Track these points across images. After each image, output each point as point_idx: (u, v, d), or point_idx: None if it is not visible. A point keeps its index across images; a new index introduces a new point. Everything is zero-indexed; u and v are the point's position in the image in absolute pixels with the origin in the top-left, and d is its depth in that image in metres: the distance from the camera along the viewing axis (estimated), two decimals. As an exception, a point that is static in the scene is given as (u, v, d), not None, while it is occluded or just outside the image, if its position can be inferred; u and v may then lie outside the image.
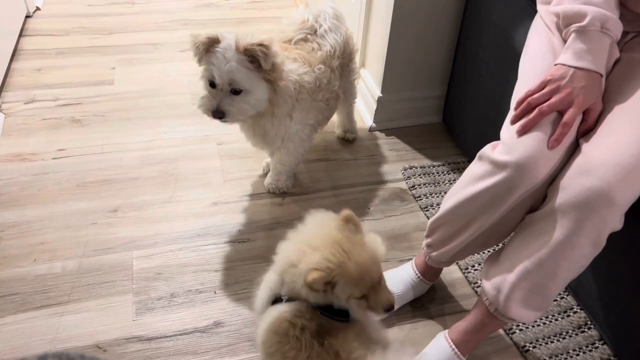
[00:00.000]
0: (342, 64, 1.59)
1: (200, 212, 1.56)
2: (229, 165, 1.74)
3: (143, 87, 2.09)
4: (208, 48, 1.26)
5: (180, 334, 1.25)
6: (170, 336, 1.25)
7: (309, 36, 1.50)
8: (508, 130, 1.01)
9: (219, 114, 1.30)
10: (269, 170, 1.66)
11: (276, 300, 0.99)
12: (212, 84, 1.30)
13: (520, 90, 1.03)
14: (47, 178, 1.64)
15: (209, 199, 1.61)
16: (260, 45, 1.24)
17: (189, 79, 2.14)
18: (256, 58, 1.25)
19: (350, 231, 0.90)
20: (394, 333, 1.28)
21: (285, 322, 0.92)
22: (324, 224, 0.94)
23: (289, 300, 0.95)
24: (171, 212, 1.55)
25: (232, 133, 1.84)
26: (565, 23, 1.00)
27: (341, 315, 0.92)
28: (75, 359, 0.35)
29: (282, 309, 0.94)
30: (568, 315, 1.34)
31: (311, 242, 0.89)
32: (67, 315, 1.27)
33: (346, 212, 0.91)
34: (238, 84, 1.27)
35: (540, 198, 1.01)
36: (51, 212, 1.53)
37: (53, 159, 1.72)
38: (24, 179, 1.63)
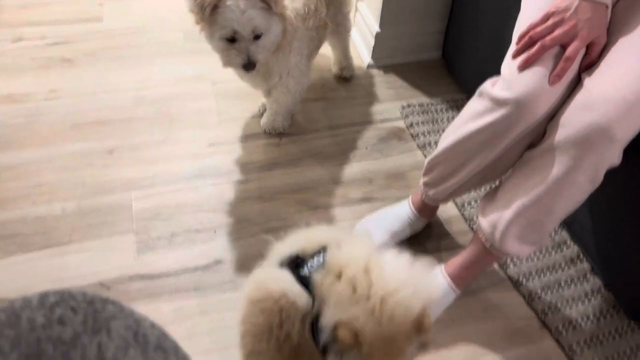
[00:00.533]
0: None
1: (197, 153, 1.55)
2: (225, 106, 1.71)
3: (132, 23, 2.01)
4: (215, 6, 1.21)
5: (182, 272, 1.27)
6: (173, 274, 1.27)
7: None
8: (509, 65, 0.99)
9: (251, 65, 1.29)
10: (265, 110, 1.63)
11: (295, 261, 0.87)
12: (230, 39, 1.26)
13: (522, 24, 1.00)
14: (41, 120, 1.62)
15: (206, 140, 1.59)
16: None
17: (180, 15, 2.06)
18: None
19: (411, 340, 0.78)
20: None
21: (277, 310, 0.82)
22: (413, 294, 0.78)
23: (304, 282, 0.84)
24: (168, 153, 1.55)
25: (226, 72, 1.79)
26: None
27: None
28: (77, 297, 0.35)
29: (285, 287, 0.83)
30: (561, 250, 1.37)
31: (379, 296, 0.75)
32: (69, 255, 1.29)
33: (429, 326, 0.77)
34: (260, 28, 1.25)
35: (540, 134, 1.01)
36: (47, 154, 1.52)
37: (45, 100, 1.68)
38: (17, 120, 1.61)
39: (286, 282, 0.84)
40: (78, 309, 0.34)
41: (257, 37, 1.26)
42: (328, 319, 0.77)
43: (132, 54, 1.88)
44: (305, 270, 0.84)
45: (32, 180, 1.45)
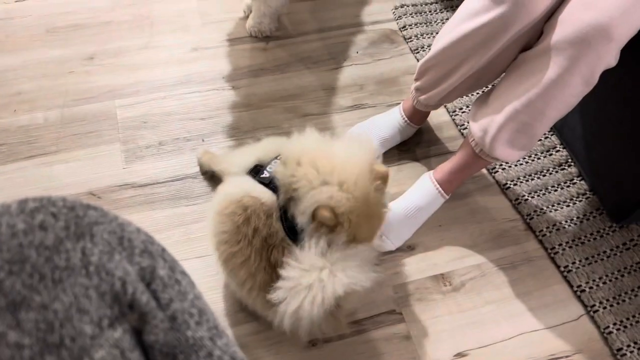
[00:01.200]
0: None
1: (181, 58, 1.49)
2: (207, 6, 1.62)
3: None
4: None
5: (172, 180, 1.27)
6: (162, 182, 1.27)
7: None
8: (509, -41, 0.93)
9: None
10: (250, 12, 1.55)
11: (254, 169, 0.95)
12: None
13: None
14: (13, 23, 1.53)
15: (189, 44, 1.52)
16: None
17: None
18: None
19: (377, 188, 0.87)
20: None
21: (241, 210, 0.88)
22: (360, 157, 0.89)
23: (265, 183, 0.91)
24: (150, 59, 1.48)
25: (208, -30, 1.69)
26: None
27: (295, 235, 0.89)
28: (57, 202, 0.35)
29: (247, 188, 0.91)
30: (550, 154, 1.38)
31: (340, 171, 0.85)
32: (57, 164, 1.28)
33: (385, 170, 0.89)
34: None
35: (536, 35, 0.97)
36: (24, 60, 1.45)
37: (16, 1, 1.58)
38: (-13, 25, 1.52)
39: (247, 184, 0.93)
40: (59, 215, 0.33)
41: None
42: (306, 204, 0.84)
43: (106, -50, 1.74)
44: (264, 173, 0.90)
45: (10, 89, 1.39)
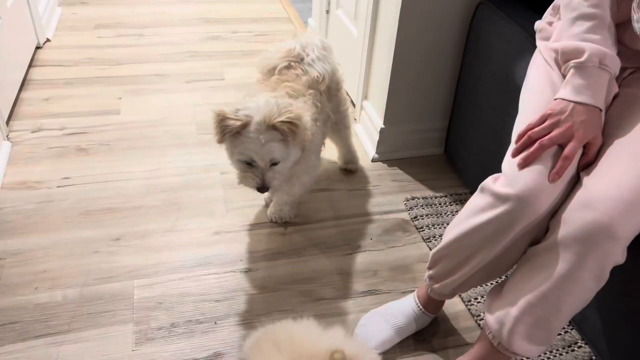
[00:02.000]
0: (330, 91, 1.58)
1: (202, 241, 1.56)
2: (232, 195, 1.75)
3: (148, 117, 2.12)
4: (237, 132, 1.26)
5: (180, 365, 1.24)
6: (170, 367, 1.23)
7: (292, 64, 1.49)
8: (509, 163, 1.02)
9: (264, 189, 1.34)
10: (271, 200, 1.66)
11: None
12: (248, 163, 1.31)
13: (520, 124, 1.05)
14: (51, 206, 1.65)
15: (211, 228, 1.61)
16: (290, 123, 1.24)
17: (194, 109, 2.17)
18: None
19: None
20: (396, 366, 1.27)
21: None
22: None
23: None
24: (173, 241, 1.56)
25: (235, 163, 1.86)
26: (564, 59, 1.02)
27: None
28: None
29: None
30: (572, 350, 1.32)
31: None
32: (67, 344, 1.26)
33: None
34: (277, 158, 1.30)
35: (542, 231, 1.02)
36: (54, 240, 1.54)
37: (58, 187, 1.73)
38: (28, 206, 1.64)
39: None
40: None
41: (274, 164, 1.31)
42: None
43: (146, 144, 1.95)
44: None
45: (37, 267, 1.45)
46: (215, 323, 1.33)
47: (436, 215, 1.72)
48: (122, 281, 1.43)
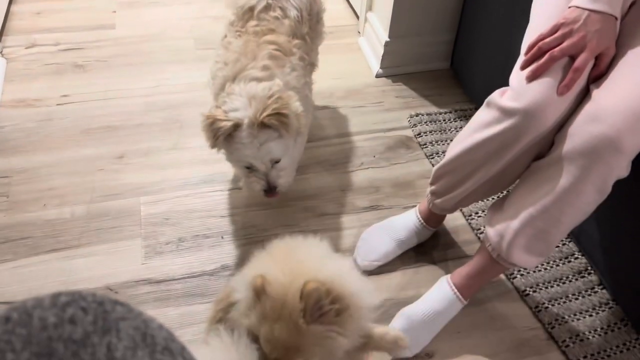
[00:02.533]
0: (310, 28, 1.38)
1: (206, 159, 1.56)
2: (234, 112, 1.72)
3: (144, 31, 2.04)
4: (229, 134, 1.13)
5: (189, 277, 1.28)
6: (179, 279, 1.28)
7: (270, 1, 1.29)
8: (517, 75, 1.00)
9: (272, 190, 1.21)
10: None
11: None
12: (248, 167, 1.20)
13: (531, 35, 1.01)
14: (52, 124, 1.64)
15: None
16: (279, 115, 1.11)
17: (191, 23, 2.09)
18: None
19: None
20: (398, 277, 1.31)
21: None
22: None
23: None
24: (177, 159, 1.56)
25: (236, 79, 1.82)
26: None
27: None
28: (88, 297, 0.36)
29: None
30: (569, 261, 1.36)
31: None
32: (78, 258, 1.30)
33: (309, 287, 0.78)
34: (277, 157, 1.17)
35: (547, 145, 1.01)
36: (58, 158, 1.54)
37: (57, 105, 1.71)
38: (29, 125, 1.63)
39: None
40: (88, 309, 0.35)
41: (276, 161, 1.19)
42: None
43: (144, 60, 1.90)
44: None
45: (43, 184, 1.46)
46: (222, 237, 1.37)
47: (440, 131, 1.71)
48: (128, 198, 1.45)
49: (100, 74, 1.83)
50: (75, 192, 1.45)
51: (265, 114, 1.10)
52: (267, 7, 1.28)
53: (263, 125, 1.11)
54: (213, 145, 1.16)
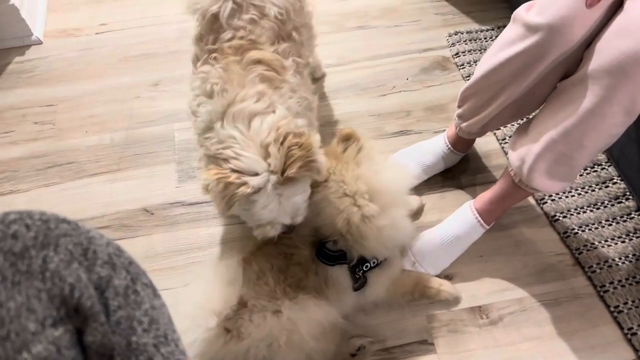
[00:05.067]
0: (298, 21, 1.10)
1: (237, 84, 1.57)
2: (265, 36, 1.70)
3: (179, -46, 2.01)
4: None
5: (219, 200, 1.34)
6: (210, 202, 1.34)
7: (238, 1, 1.00)
8: (546, -14, 0.91)
9: (291, 229, 1.03)
10: None
11: None
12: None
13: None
14: (92, 53, 1.69)
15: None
16: (307, 162, 0.89)
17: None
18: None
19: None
20: (422, 201, 1.31)
21: None
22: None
23: None
24: (209, 85, 1.58)
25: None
26: None
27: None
28: (34, 216, 0.39)
29: None
30: (607, 186, 1.30)
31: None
32: (118, 182, 1.39)
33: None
34: (304, 206, 0.98)
35: (576, 63, 0.94)
36: (98, 86, 1.60)
37: (96, 33, 1.75)
38: (70, 54, 1.69)
39: None
40: (32, 226, 0.38)
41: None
42: None
43: (178, -15, 1.89)
44: None
45: (84, 112, 1.54)
46: (250, 162, 1.40)
47: (480, 50, 1.62)
48: (163, 124, 1.50)
49: (136, 0, 1.85)
50: (114, 119, 1.52)
51: (293, 169, 0.87)
52: (238, 10, 1.00)
53: (288, 179, 0.88)
54: (225, 212, 0.91)
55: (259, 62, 0.97)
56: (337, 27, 1.72)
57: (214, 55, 0.99)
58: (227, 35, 0.99)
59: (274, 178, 0.87)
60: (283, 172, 0.87)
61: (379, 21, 1.73)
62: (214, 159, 0.90)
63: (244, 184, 0.86)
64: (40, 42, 1.72)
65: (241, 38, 0.99)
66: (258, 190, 0.87)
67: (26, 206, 1.32)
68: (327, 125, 1.47)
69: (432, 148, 1.33)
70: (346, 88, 1.56)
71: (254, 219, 0.94)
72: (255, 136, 0.88)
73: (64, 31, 1.76)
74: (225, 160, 0.88)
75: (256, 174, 0.87)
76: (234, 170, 0.87)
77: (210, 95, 0.96)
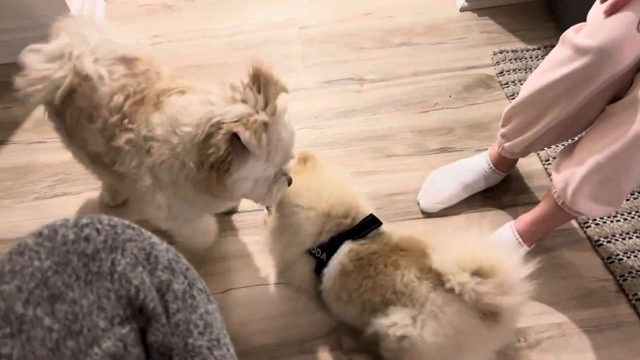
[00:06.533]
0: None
1: (282, 97, 1.61)
2: (310, 51, 1.74)
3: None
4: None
5: (261, 210, 1.37)
6: (251, 211, 1.37)
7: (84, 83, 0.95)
8: (596, 9, 0.91)
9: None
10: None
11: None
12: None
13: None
14: (145, 64, 1.76)
15: (289, 85, 1.64)
16: (278, 85, 0.92)
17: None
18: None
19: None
20: (461, 220, 1.30)
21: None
22: None
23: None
24: (254, 97, 1.62)
25: (314, 17, 1.82)
26: None
27: None
28: (104, 221, 0.42)
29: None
30: (655, 213, 1.27)
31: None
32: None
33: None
34: None
35: (625, 86, 0.93)
36: (149, 95, 1.67)
37: (150, 45, 1.83)
38: (124, 64, 1.76)
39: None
40: (102, 230, 0.41)
41: None
42: None
43: (227, -1, 1.95)
44: None
45: (135, 120, 1.60)
46: (291, 174, 1.43)
47: (525, 70, 1.60)
48: (209, 134, 1.54)
49: (187, 13, 1.92)
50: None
51: (273, 98, 0.89)
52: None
53: (274, 109, 0.89)
54: (260, 145, 0.84)
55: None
56: (382, 42, 1.74)
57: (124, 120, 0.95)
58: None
59: (264, 114, 0.86)
60: (266, 105, 0.87)
61: (423, 38, 1.74)
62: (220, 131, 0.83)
63: (255, 120, 0.83)
64: (96, 52, 1.81)
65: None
66: (267, 122, 0.85)
67: (79, 209, 1.39)
68: (367, 140, 1.48)
69: (473, 166, 1.32)
70: (388, 103, 1.57)
71: (284, 150, 0.92)
72: (220, 96, 0.89)
73: (119, 42, 1.84)
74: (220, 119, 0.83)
75: (250, 115, 0.84)
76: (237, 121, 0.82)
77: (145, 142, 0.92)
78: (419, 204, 1.33)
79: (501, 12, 1.78)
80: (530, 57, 1.63)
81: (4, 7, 1.64)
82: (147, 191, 0.97)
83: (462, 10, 1.81)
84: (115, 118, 0.94)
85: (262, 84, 0.88)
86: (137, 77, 0.98)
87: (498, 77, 1.61)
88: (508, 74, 1.60)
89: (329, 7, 1.85)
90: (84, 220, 0.41)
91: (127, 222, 0.43)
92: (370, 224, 1.01)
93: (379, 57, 1.69)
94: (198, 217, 1.13)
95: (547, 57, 1.04)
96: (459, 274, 0.87)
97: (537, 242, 1.18)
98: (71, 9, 1.69)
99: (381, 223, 1.03)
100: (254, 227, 1.34)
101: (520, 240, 1.15)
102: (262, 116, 0.85)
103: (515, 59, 1.64)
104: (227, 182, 0.88)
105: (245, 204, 1.38)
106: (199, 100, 0.90)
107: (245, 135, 0.81)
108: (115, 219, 0.43)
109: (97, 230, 0.41)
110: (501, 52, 1.66)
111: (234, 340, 0.49)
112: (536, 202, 1.31)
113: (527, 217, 1.16)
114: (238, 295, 1.23)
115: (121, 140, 0.94)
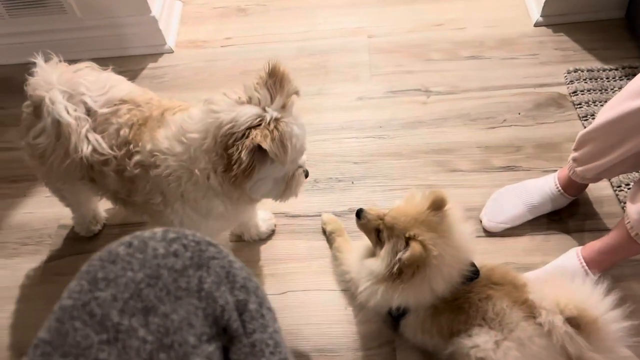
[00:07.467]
0: None
1: (346, 106, 1.63)
2: (377, 60, 1.75)
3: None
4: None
5: (320, 215, 1.39)
6: (311, 216, 1.40)
7: None
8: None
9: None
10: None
11: None
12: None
13: None
14: (216, 65, 1.83)
15: (355, 93, 1.66)
16: (287, 81, 0.95)
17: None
18: None
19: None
20: (524, 242, 1.28)
21: None
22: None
23: None
24: (320, 104, 1.65)
25: (384, 25, 1.83)
26: None
27: None
28: (189, 237, 0.45)
29: None
30: None
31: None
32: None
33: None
34: None
35: None
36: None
37: (221, 47, 1.89)
38: (197, 64, 1.84)
39: None
40: (188, 246, 0.44)
41: None
42: None
43: (298, 4, 1.99)
44: None
45: (205, 119, 1.66)
46: (352, 182, 1.45)
47: (600, 90, 1.55)
48: (274, 137, 1.58)
49: (259, 17, 1.97)
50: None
51: (281, 92, 0.91)
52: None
53: (283, 104, 0.92)
54: (287, 153, 0.88)
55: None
56: (451, 55, 1.72)
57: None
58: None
59: (272, 110, 0.88)
60: (272, 101, 0.89)
61: (494, 52, 1.71)
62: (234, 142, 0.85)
63: (270, 124, 0.85)
64: (171, 52, 1.89)
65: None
66: (279, 118, 0.87)
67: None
68: (431, 153, 1.48)
69: (540, 188, 1.30)
70: (455, 117, 1.56)
71: (298, 145, 0.95)
72: (222, 102, 0.91)
73: (193, 42, 1.92)
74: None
75: (259, 116, 0.86)
76: (249, 129, 0.85)
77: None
78: (481, 221, 1.31)
79: (578, 29, 1.73)
80: (607, 78, 1.58)
81: (91, 6, 1.74)
82: (159, 209, 1.00)
83: (536, 25, 1.77)
84: (123, 151, 0.99)
85: (278, 80, 0.90)
86: (141, 107, 1.03)
87: (571, 96, 1.56)
88: (582, 94, 1.55)
89: (400, 17, 1.86)
90: (171, 235, 0.44)
91: (208, 238, 0.45)
92: (472, 279, 1.00)
93: (447, 70, 1.68)
94: (213, 235, 1.09)
95: (631, 83, 1.00)
96: (554, 313, 0.86)
97: (604, 271, 1.14)
98: (152, 9, 1.78)
99: (479, 274, 1.00)
100: (312, 232, 1.37)
101: (587, 268, 1.12)
102: (272, 113, 0.87)
103: (591, 79, 1.58)
104: (246, 186, 0.90)
105: (306, 209, 1.41)
106: (202, 110, 0.93)
107: (271, 147, 0.83)
108: (198, 235, 0.46)
109: (184, 245, 0.44)
110: (576, 70, 1.61)
111: (290, 342, 0.50)
112: (604, 229, 1.28)
113: (596, 244, 1.12)
114: (296, 298, 1.26)
115: (131, 164, 0.97)
